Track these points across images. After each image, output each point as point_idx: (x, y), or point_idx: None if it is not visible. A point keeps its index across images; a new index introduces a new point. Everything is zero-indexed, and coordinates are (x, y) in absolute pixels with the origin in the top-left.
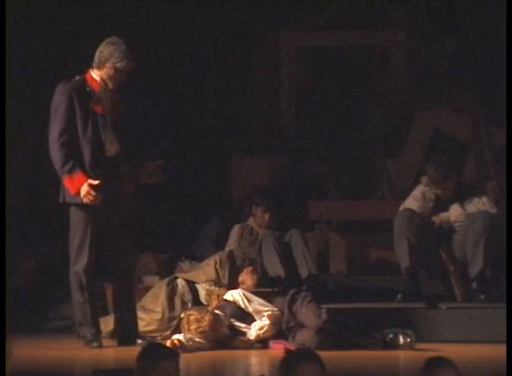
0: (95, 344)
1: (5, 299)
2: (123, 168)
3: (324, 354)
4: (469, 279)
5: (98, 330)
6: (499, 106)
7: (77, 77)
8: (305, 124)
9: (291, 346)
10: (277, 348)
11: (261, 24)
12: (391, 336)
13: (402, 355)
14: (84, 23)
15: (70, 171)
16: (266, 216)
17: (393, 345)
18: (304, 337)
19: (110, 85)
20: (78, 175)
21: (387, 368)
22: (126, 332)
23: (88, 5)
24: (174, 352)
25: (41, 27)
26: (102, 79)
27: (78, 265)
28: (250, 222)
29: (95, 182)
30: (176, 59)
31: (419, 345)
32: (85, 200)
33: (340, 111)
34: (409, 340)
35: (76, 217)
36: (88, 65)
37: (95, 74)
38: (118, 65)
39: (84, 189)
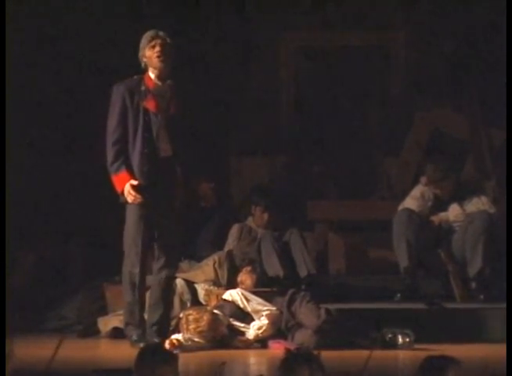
0: (141, 344)
1: (5, 299)
2: (176, 169)
3: (323, 354)
4: (468, 279)
5: (144, 331)
6: (498, 107)
7: (135, 77)
8: (305, 124)
9: (291, 346)
10: (276, 348)
11: (261, 24)
12: (389, 336)
13: (401, 355)
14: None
15: (117, 170)
16: (265, 216)
17: (392, 344)
18: (303, 336)
19: (159, 81)
20: (123, 174)
21: (386, 368)
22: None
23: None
24: (173, 356)
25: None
26: (155, 75)
27: (132, 264)
28: (249, 221)
29: (135, 183)
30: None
31: (418, 345)
32: (128, 200)
33: (339, 111)
34: (407, 340)
35: (128, 215)
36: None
37: (151, 72)
38: (148, 53)
39: (127, 188)
